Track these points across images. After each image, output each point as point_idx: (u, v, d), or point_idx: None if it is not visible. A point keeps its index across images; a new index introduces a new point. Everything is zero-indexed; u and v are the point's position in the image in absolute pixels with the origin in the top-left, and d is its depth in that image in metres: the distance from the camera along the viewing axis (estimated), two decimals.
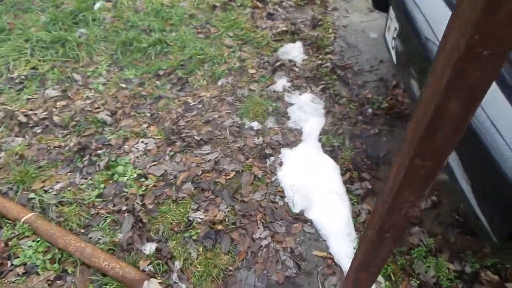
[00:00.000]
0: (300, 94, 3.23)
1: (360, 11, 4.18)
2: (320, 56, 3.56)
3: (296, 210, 2.45)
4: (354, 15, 4.12)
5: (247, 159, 2.76)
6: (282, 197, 2.53)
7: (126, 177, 2.61)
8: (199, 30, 3.90)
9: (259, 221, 2.39)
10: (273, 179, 2.63)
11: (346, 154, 2.74)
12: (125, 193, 2.51)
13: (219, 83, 3.37)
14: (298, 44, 3.73)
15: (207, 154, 2.80)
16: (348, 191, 2.52)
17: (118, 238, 2.29)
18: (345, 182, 2.56)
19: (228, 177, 2.64)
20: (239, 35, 3.83)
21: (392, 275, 2.12)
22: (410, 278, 2.11)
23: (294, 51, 3.63)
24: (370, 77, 3.38)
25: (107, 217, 2.38)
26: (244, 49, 3.71)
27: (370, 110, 3.05)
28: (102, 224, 2.35)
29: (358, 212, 2.42)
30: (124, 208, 2.41)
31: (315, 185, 2.52)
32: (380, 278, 2.12)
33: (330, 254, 2.24)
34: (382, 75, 3.38)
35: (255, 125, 2.99)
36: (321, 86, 3.28)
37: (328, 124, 2.98)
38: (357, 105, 3.12)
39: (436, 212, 2.43)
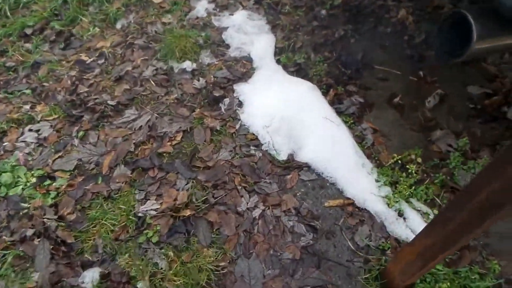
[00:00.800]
0: (232, 14, 2.45)
1: None
2: None
3: (282, 156, 1.78)
4: None
5: (193, 111, 1.97)
6: (258, 145, 1.83)
7: (20, 187, 1.68)
8: None
9: (239, 187, 1.68)
10: (237, 126, 1.90)
11: (319, 69, 2.09)
12: (25, 211, 1.61)
13: (118, 25, 2.44)
14: None
15: (134, 120, 1.96)
16: (339, 112, 1.90)
17: (34, 280, 1.42)
18: (331, 103, 1.93)
19: (175, 142, 1.86)
20: None
21: (436, 199, 1.59)
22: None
23: None
24: None
25: (5, 255, 1.48)
26: None
27: (323, 12, 2.39)
28: (1, 270, 1.45)
29: (362, 135, 1.82)
30: (29, 232, 1.52)
31: (296, 116, 1.84)
32: (423, 207, 1.58)
33: (348, 198, 1.63)
34: None
35: (188, 65, 2.17)
36: None
37: (281, 40, 2.27)
38: (305, 10, 2.44)
39: (447, 106, 1.93)
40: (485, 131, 1.82)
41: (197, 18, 2.44)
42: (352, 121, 1.85)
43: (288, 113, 1.85)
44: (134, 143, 1.85)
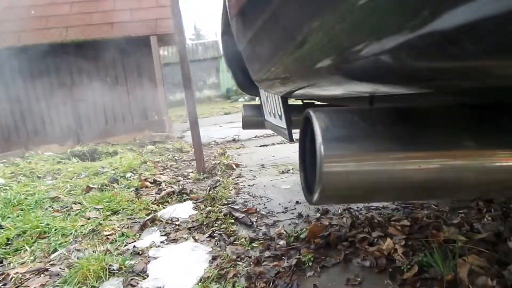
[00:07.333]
0: (176, 245, 2.03)
1: (270, 174, 3.51)
2: (215, 206, 2.56)
3: None
4: (262, 178, 3.42)
5: None
6: None
7: None
8: (58, 210, 2.89)
9: None
10: None
11: None
12: None
13: (54, 255, 2.13)
14: (188, 203, 2.77)
15: None
16: None
17: None
18: None
19: None
20: (109, 206, 2.84)
21: None
22: None
23: (180, 210, 2.63)
24: (285, 217, 2.33)
25: None
26: (111, 218, 2.65)
27: (282, 242, 1.86)
28: None
29: None
30: None
31: None
32: None
33: None
34: (301, 211, 2.36)
35: None
36: (209, 233, 2.14)
37: (213, 269, 1.68)
38: (263, 242, 1.93)
39: None
40: None
41: (135, 246, 2.05)
42: None
43: None
44: None
